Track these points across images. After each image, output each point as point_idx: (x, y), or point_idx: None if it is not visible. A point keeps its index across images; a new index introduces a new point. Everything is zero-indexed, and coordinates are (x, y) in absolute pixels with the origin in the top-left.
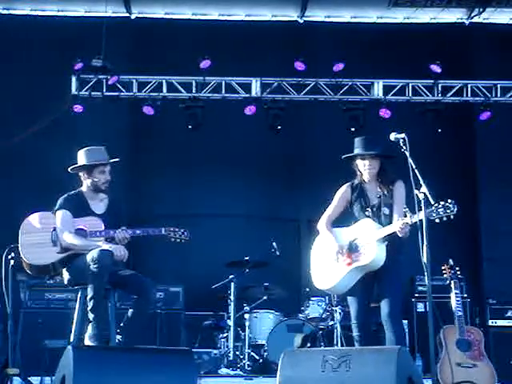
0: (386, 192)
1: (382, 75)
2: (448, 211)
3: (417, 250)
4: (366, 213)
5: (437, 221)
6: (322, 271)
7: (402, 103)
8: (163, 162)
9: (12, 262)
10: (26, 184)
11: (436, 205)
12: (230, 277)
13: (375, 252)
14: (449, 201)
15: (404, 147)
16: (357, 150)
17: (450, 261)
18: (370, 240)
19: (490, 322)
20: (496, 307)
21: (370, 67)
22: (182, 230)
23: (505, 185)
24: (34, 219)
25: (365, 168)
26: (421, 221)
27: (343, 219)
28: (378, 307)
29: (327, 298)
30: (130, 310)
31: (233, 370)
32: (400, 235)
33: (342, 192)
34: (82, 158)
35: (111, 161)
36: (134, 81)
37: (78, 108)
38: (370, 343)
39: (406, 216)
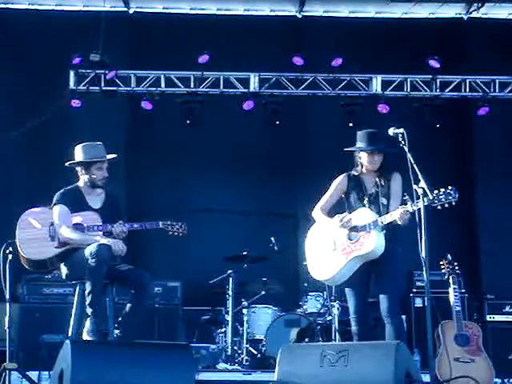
0: (383, 183)
1: (381, 70)
2: (450, 197)
3: (415, 245)
4: (364, 202)
5: (438, 208)
6: (320, 261)
7: (401, 98)
8: (161, 156)
9: (10, 256)
10: (23, 179)
11: (437, 192)
12: (228, 272)
13: (375, 240)
14: (449, 187)
15: (403, 142)
16: (363, 144)
17: (449, 256)
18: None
19: (488, 317)
20: (494, 302)
21: (369, 62)
22: (180, 224)
23: (503, 180)
24: (32, 214)
25: (370, 162)
26: (419, 214)
27: (336, 210)
28: (375, 302)
29: (325, 292)
30: (128, 305)
31: (231, 364)
32: (400, 223)
33: (339, 181)
34: (79, 153)
35: (109, 157)
36: (132, 75)
37: (75, 103)
38: (368, 338)
39: (406, 204)
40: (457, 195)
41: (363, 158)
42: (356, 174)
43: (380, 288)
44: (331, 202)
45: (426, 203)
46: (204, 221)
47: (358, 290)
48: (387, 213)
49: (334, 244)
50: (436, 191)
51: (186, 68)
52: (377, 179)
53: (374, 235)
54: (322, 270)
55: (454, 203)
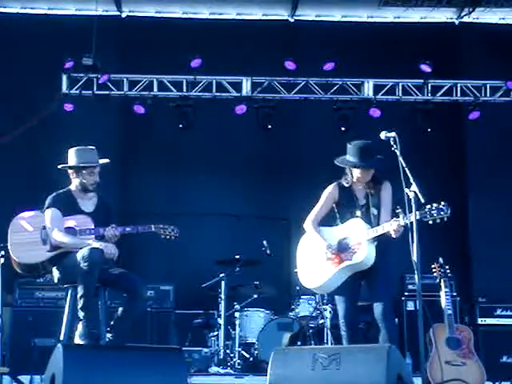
0: (373, 193)
1: (372, 74)
2: (442, 213)
3: (407, 249)
4: (356, 213)
5: (430, 222)
6: (310, 270)
7: (392, 103)
8: (153, 160)
9: (2, 260)
10: (15, 182)
11: (429, 207)
12: (221, 275)
13: (366, 251)
14: (442, 203)
15: (394, 146)
16: (355, 159)
17: (440, 259)
18: (360, 239)
19: (480, 321)
20: (485, 305)
21: (361, 66)
22: (172, 227)
23: (494, 184)
24: (24, 218)
25: (362, 176)
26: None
27: (327, 219)
28: (366, 306)
29: (317, 296)
30: (120, 309)
31: (223, 368)
32: (394, 236)
33: (330, 191)
34: (71, 157)
35: (100, 162)
36: (125, 79)
37: (68, 107)
38: (358, 341)
39: (398, 217)
40: (449, 211)
41: (355, 172)
42: (346, 184)
43: (373, 295)
44: (322, 213)
45: (418, 217)
46: (197, 224)
47: (347, 296)
48: (378, 224)
49: (325, 253)
50: (428, 206)
51: (179, 72)
52: (367, 190)
53: (364, 246)
54: (311, 279)
55: (445, 219)
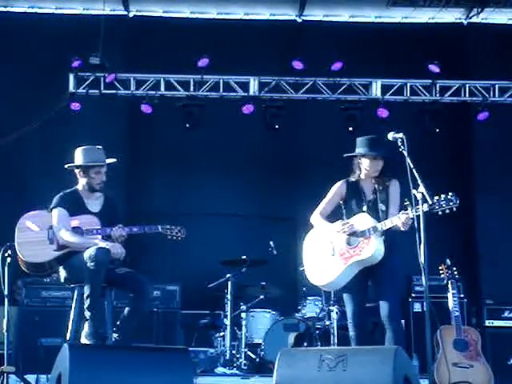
0: (381, 189)
1: (380, 75)
2: (450, 203)
3: (414, 250)
4: (363, 208)
5: (439, 213)
6: (318, 267)
7: (400, 103)
8: (160, 160)
9: (9, 259)
10: (22, 182)
11: (437, 198)
12: (227, 275)
13: (375, 246)
14: (450, 194)
15: (402, 147)
16: (364, 150)
17: (448, 261)
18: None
19: (487, 323)
20: (493, 307)
21: (368, 67)
22: (179, 228)
23: (502, 185)
24: (31, 217)
25: (372, 167)
26: (419, 220)
27: (333, 218)
28: (374, 307)
29: (324, 297)
30: (127, 309)
31: (229, 369)
32: (403, 229)
33: (337, 187)
34: (78, 157)
35: (107, 162)
36: (132, 79)
37: (75, 106)
38: (366, 343)
39: (407, 209)
40: (457, 201)
41: (365, 163)
42: (354, 180)
43: (380, 294)
44: (329, 208)
45: (426, 209)
46: (203, 224)
47: (356, 295)
48: (386, 219)
49: (333, 249)
50: (437, 197)
51: (186, 71)
52: (375, 185)
53: (373, 240)
54: (320, 276)
55: (454, 209)
